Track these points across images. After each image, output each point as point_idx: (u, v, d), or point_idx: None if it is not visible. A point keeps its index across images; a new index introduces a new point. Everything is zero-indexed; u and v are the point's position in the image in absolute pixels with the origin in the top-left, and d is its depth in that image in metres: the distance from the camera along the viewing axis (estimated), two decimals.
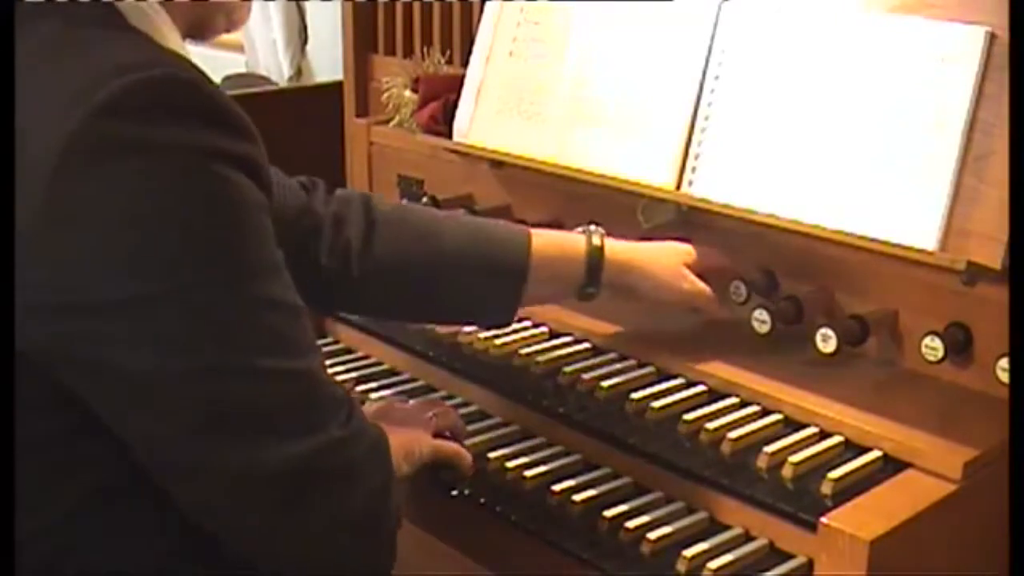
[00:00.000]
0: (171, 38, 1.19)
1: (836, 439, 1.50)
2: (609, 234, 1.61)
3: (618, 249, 1.64)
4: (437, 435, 1.54)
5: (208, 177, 1.07)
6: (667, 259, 1.69)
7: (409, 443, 1.46)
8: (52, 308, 1.06)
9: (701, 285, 1.69)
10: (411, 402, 1.68)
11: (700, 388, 1.64)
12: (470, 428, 1.66)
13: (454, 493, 1.54)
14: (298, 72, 4.81)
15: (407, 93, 2.27)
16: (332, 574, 1.24)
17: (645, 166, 1.81)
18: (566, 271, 1.61)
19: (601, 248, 1.62)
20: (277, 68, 4.82)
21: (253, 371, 1.11)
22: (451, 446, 1.54)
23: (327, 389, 1.20)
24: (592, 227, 1.64)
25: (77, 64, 1.08)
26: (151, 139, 1.04)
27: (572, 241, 1.63)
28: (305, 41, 4.79)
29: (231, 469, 1.13)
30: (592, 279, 1.62)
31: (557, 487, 1.51)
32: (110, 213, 1.04)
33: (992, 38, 1.51)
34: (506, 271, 1.57)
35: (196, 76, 1.10)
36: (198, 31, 1.27)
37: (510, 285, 1.58)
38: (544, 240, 1.61)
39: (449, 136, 2.11)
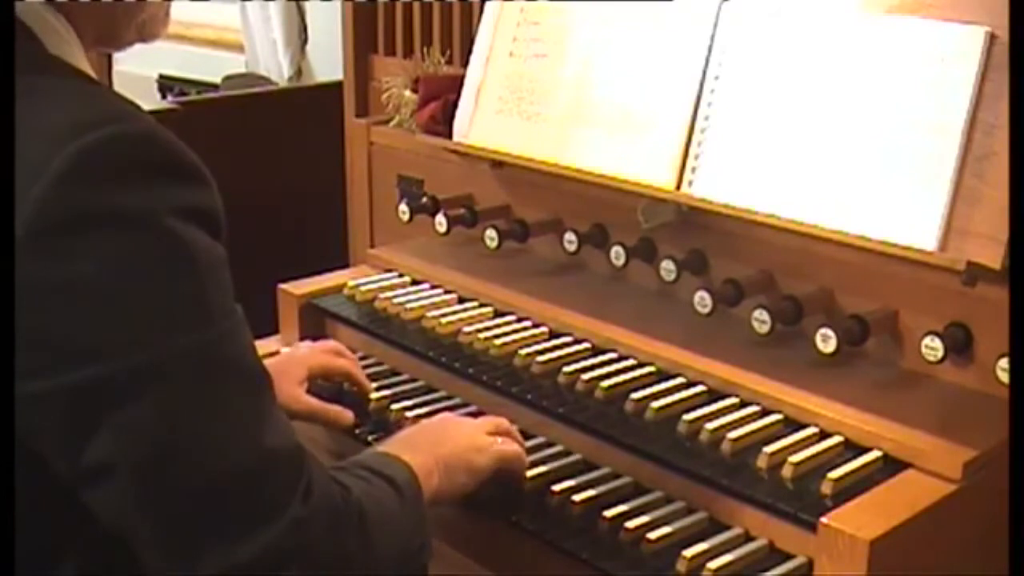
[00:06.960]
0: (83, 61, 1.13)
1: (836, 439, 1.50)
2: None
3: None
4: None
5: (174, 240, 1.03)
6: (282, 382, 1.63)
7: (468, 454, 1.47)
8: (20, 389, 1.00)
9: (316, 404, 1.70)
10: (475, 420, 1.59)
11: (700, 388, 1.64)
12: None
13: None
14: (298, 72, 4.82)
15: (407, 93, 2.27)
16: None
17: (645, 166, 1.81)
18: None
19: None
20: (277, 68, 4.83)
21: (223, 455, 1.05)
22: (513, 449, 1.53)
23: (287, 463, 1.12)
24: None
25: (24, 128, 1.01)
26: (117, 206, 1.00)
27: None
28: (305, 41, 4.80)
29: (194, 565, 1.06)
30: None
31: (557, 487, 1.51)
32: (80, 289, 1.00)
33: (992, 38, 1.51)
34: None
35: (144, 125, 1.05)
36: (106, 43, 1.21)
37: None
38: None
39: (449, 136, 2.11)
